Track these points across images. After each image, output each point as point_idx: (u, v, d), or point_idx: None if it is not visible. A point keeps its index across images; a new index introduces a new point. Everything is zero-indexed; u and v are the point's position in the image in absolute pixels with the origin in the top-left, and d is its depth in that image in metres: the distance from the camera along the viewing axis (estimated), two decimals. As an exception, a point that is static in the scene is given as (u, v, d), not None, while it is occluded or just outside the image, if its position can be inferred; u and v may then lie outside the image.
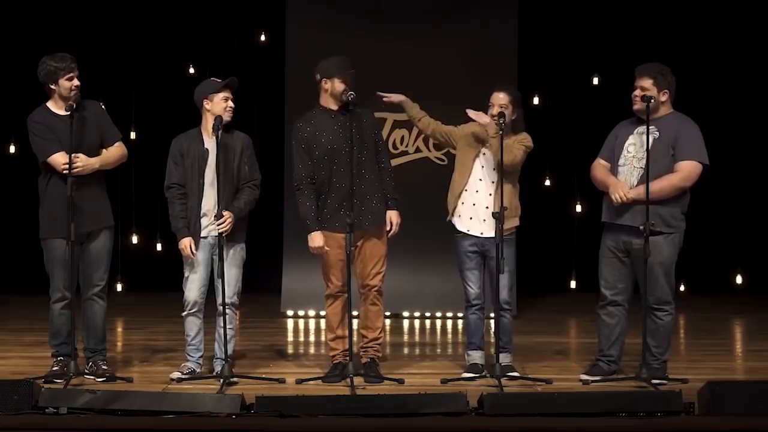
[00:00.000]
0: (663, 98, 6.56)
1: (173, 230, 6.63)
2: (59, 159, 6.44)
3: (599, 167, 6.69)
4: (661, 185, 6.40)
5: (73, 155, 6.36)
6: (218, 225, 6.44)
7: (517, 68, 9.56)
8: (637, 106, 6.51)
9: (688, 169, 6.51)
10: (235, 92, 6.69)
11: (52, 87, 6.55)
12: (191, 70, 10.65)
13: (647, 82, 6.55)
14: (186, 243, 6.54)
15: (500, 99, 6.70)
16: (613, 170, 6.60)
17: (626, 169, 6.53)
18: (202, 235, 6.60)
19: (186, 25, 10.72)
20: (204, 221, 6.60)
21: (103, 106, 6.80)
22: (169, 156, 6.67)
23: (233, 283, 6.61)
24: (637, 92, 6.53)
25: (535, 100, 10.71)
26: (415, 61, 9.52)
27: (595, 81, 10.49)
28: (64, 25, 10.45)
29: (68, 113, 6.40)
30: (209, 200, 6.58)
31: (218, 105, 6.58)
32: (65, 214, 6.32)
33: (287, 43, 9.80)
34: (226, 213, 6.45)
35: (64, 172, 6.37)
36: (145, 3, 10.55)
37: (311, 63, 8.82)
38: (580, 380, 6.58)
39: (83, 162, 6.43)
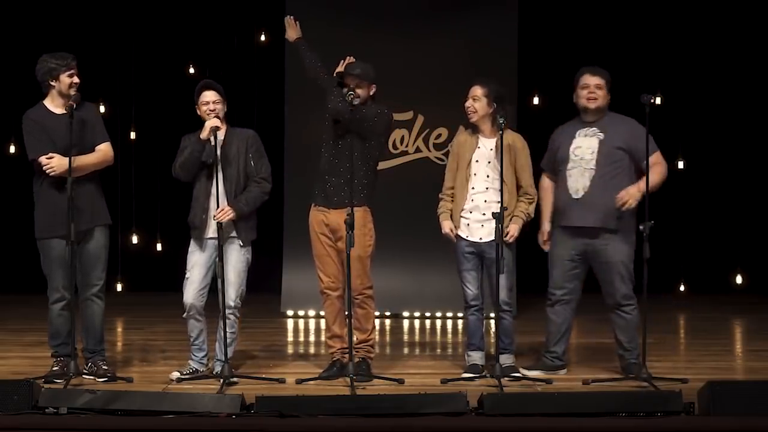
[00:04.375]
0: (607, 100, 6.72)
1: (192, 148, 6.52)
2: (43, 160, 6.43)
3: (544, 189, 6.84)
4: (656, 179, 6.58)
5: (46, 157, 6.38)
6: (215, 215, 6.43)
7: (517, 68, 9.57)
8: (593, 105, 6.65)
9: (663, 162, 6.68)
10: (222, 91, 6.66)
11: (52, 84, 6.54)
12: (191, 70, 10.65)
13: (601, 82, 6.68)
14: (206, 125, 6.49)
15: (474, 91, 6.73)
16: (559, 176, 6.72)
17: (576, 172, 6.63)
18: (210, 235, 6.58)
19: (186, 25, 10.73)
20: (209, 221, 6.58)
21: (100, 109, 6.78)
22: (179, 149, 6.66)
23: (236, 287, 6.60)
24: (593, 90, 6.65)
25: (535, 100, 10.71)
26: (415, 61, 9.53)
27: (595, 81, 10.48)
28: (64, 25, 10.45)
29: (66, 112, 6.38)
30: (214, 202, 6.57)
31: (200, 108, 6.61)
32: (60, 214, 6.32)
33: (287, 43, 9.77)
34: (225, 206, 6.44)
35: (50, 173, 6.40)
36: (145, 3, 10.56)
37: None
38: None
39: (56, 163, 6.41)
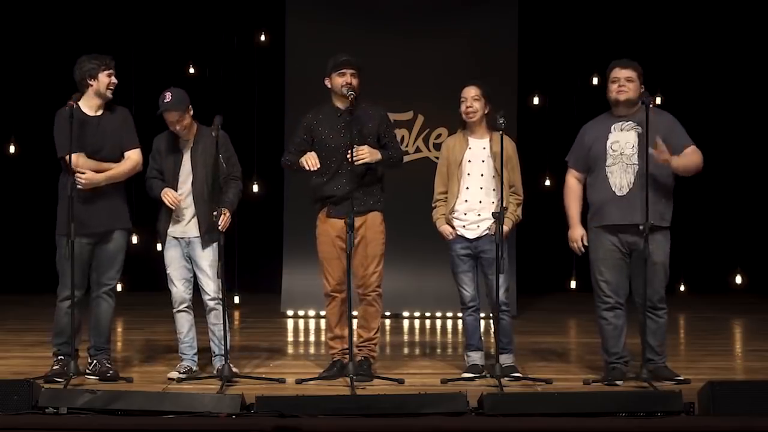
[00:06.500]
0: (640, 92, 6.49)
1: (153, 196, 6.68)
2: (75, 159, 6.41)
3: (571, 190, 6.66)
4: (689, 160, 6.40)
5: (80, 171, 6.39)
6: (220, 225, 6.43)
7: (517, 68, 9.58)
8: (623, 96, 6.42)
9: (699, 152, 6.46)
10: (182, 101, 6.58)
11: (91, 83, 6.53)
12: (191, 70, 10.65)
13: (632, 74, 6.48)
14: (168, 192, 6.55)
15: (470, 92, 6.72)
16: (596, 174, 6.52)
17: (617, 168, 6.45)
18: (176, 235, 6.64)
19: (186, 25, 10.73)
20: (177, 221, 6.63)
21: (129, 113, 6.81)
22: (151, 153, 6.72)
23: (215, 278, 6.61)
24: (623, 83, 6.44)
25: (535, 100, 10.72)
26: (415, 60, 9.53)
27: (595, 81, 10.49)
28: (64, 25, 10.46)
29: (97, 114, 6.39)
30: (184, 202, 6.61)
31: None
32: (81, 213, 6.37)
33: (287, 43, 9.81)
34: (224, 211, 6.45)
35: (77, 176, 6.40)
36: (145, 3, 10.56)
37: (311, 63, 8.83)
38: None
39: (87, 178, 6.44)
